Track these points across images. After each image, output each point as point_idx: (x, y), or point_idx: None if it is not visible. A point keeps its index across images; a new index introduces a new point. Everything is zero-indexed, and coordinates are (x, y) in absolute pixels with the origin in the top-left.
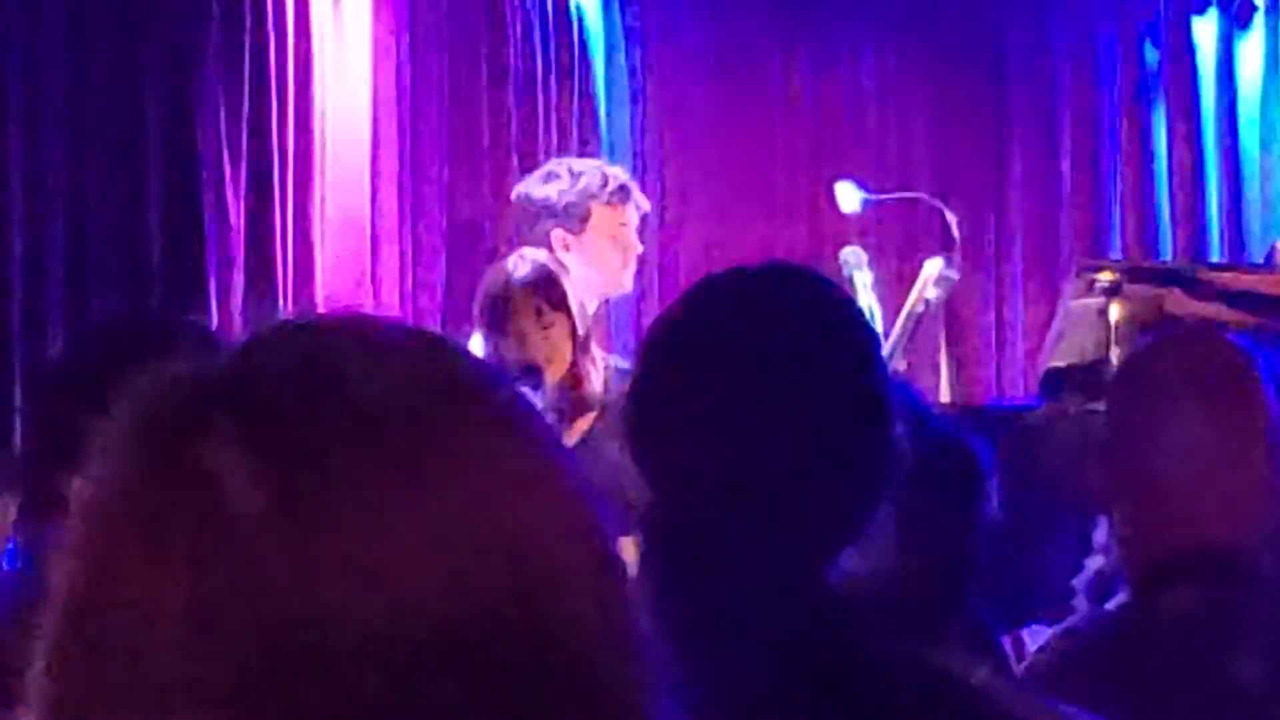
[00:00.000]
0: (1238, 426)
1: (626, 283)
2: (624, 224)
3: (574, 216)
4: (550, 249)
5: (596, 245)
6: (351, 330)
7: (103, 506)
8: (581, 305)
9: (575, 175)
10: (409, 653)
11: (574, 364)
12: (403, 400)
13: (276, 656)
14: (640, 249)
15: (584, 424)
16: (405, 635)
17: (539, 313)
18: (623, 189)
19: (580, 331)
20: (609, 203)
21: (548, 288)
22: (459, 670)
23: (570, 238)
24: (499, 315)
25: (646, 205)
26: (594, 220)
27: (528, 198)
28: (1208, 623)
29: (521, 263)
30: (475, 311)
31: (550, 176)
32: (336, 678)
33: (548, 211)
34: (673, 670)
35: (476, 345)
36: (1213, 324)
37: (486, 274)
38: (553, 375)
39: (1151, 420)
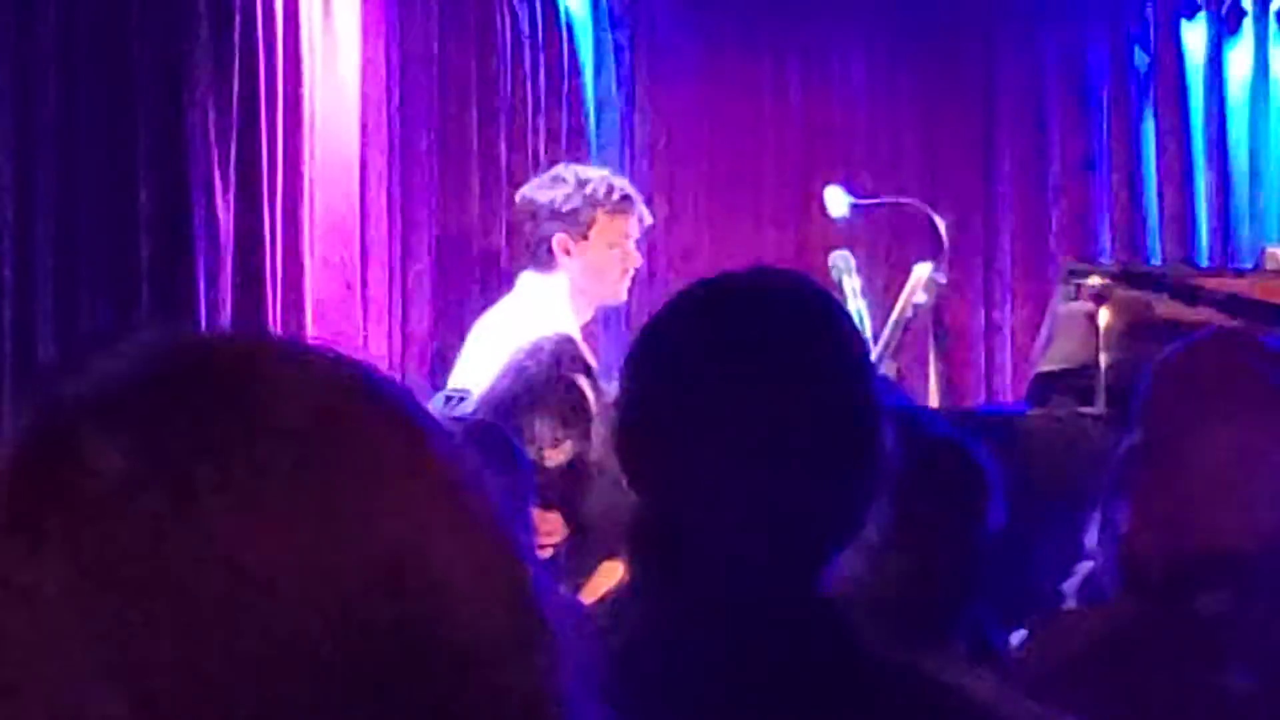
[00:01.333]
0: (1272, 431)
1: (621, 293)
2: (626, 234)
3: (578, 222)
4: (551, 252)
5: (597, 253)
6: (256, 342)
7: None
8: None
9: (582, 182)
10: (270, 655)
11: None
12: (294, 407)
13: (137, 641)
14: (640, 261)
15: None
16: (267, 638)
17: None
18: (628, 199)
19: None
20: (613, 212)
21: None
22: (316, 682)
23: (572, 243)
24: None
25: (650, 219)
26: (597, 228)
27: (532, 200)
28: (1218, 628)
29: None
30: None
31: (557, 181)
32: (197, 672)
33: (552, 215)
34: (663, 677)
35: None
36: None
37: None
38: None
39: (1191, 421)
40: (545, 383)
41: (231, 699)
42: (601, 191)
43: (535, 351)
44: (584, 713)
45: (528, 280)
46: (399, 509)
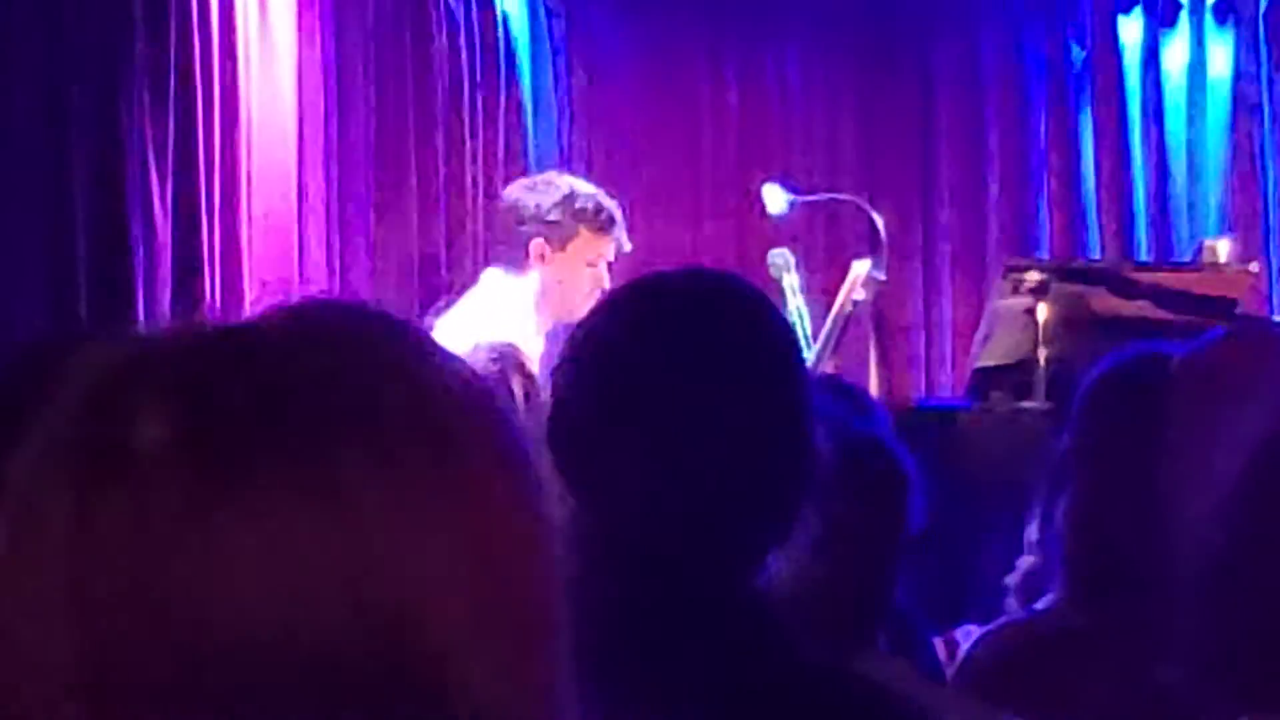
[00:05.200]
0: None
1: (581, 312)
2: (602, 255)
3: (559, 232)
4: (526, 255)
5: (571, 266)
6: (340, 327)
7: (33, 459)
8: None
9: (572, 194)
10: (261, 652)
11: None
12: (339, 411)
13: (133, 618)
14: (608, 285)
15: None
16: (262, 632)
17: None
18: (612, 222)
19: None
20: (597, 231)
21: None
22: (304, 683)
23: (549, 250)
24: None
25: (628, 246)
26: (578, 242)
27: (518, 200)
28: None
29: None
30: None
31: (548, 186)
32: (183, 656)
33: (536, 219)
34: (594, 678)
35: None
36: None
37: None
38: None
39: (1215, 419)
40: None
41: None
42: (590, 208)
43: (474, 351)
44: None
45: (494, 278)
46: (413, 532)
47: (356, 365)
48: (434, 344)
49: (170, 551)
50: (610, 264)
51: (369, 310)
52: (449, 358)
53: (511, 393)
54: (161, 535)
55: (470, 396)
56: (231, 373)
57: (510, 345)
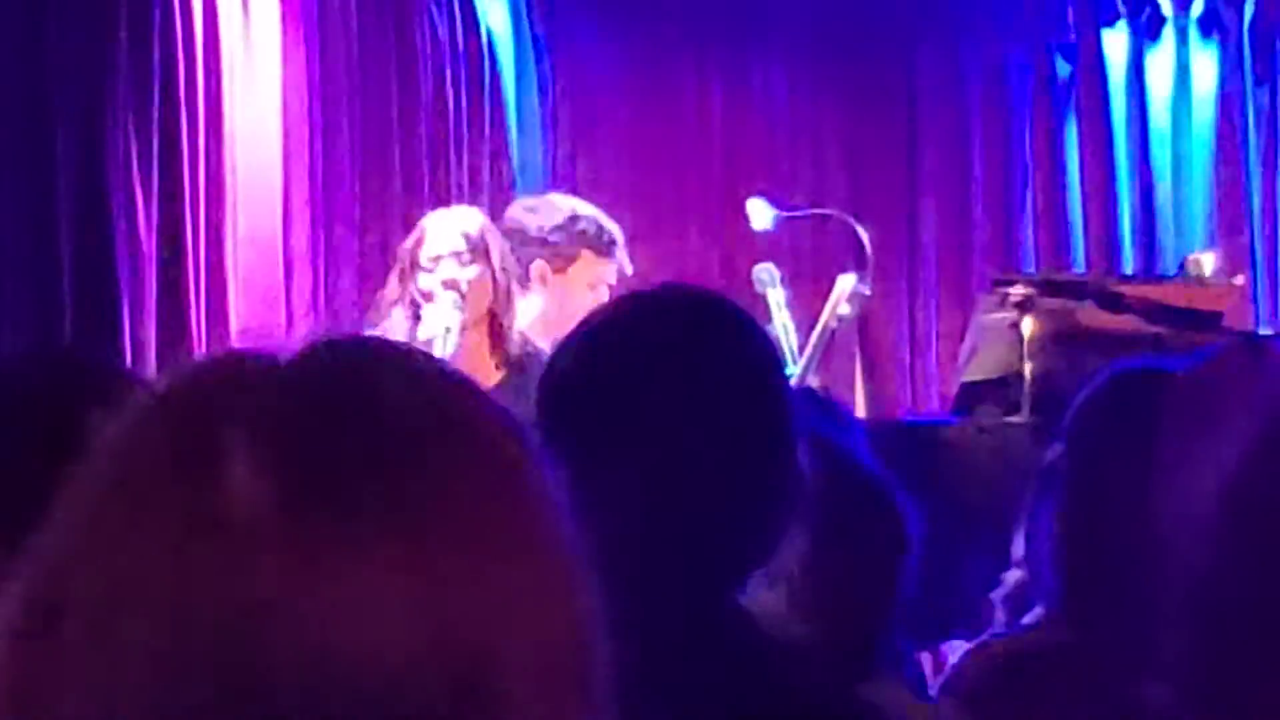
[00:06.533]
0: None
1: None
2: (603, 277)
3: (561, 254)
4: (527, 275)
5: (573, 288)
6: (397, 365)
7: (116, 469)
8: (505, 257)
9: (575, 216)
10: (340, 697)
11: (491, 316)
12: (425, 453)
13: (225, 661)
14: None
15: (488, 383)
16: (356, 680)
17: (458, 253)
18: (614, 245)
19: (502, 285)
20: (599, 253)
21: (473, 232)
22: None
23: (550, 274)
24: (415, 253)
25: (630, 269)
26: (580, 264)
27: (519, 221)
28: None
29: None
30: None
31: (550, 208)
32: (263, 699)
33: (538, 241)
34: None
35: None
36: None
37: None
38: (469, 322)
39: (1203, 437)
40: None
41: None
42: (592, 231)
43: None
44: None
45: None
46: (497, 579)
47: (423, 407)
48: (473, 382)
49: (268, 611)
50: (611, 286)
51: (412, 351)
52: (488, 397)
53: None
54: (260, 596)
55: (517, 434)
56: (319, 422)
57: None
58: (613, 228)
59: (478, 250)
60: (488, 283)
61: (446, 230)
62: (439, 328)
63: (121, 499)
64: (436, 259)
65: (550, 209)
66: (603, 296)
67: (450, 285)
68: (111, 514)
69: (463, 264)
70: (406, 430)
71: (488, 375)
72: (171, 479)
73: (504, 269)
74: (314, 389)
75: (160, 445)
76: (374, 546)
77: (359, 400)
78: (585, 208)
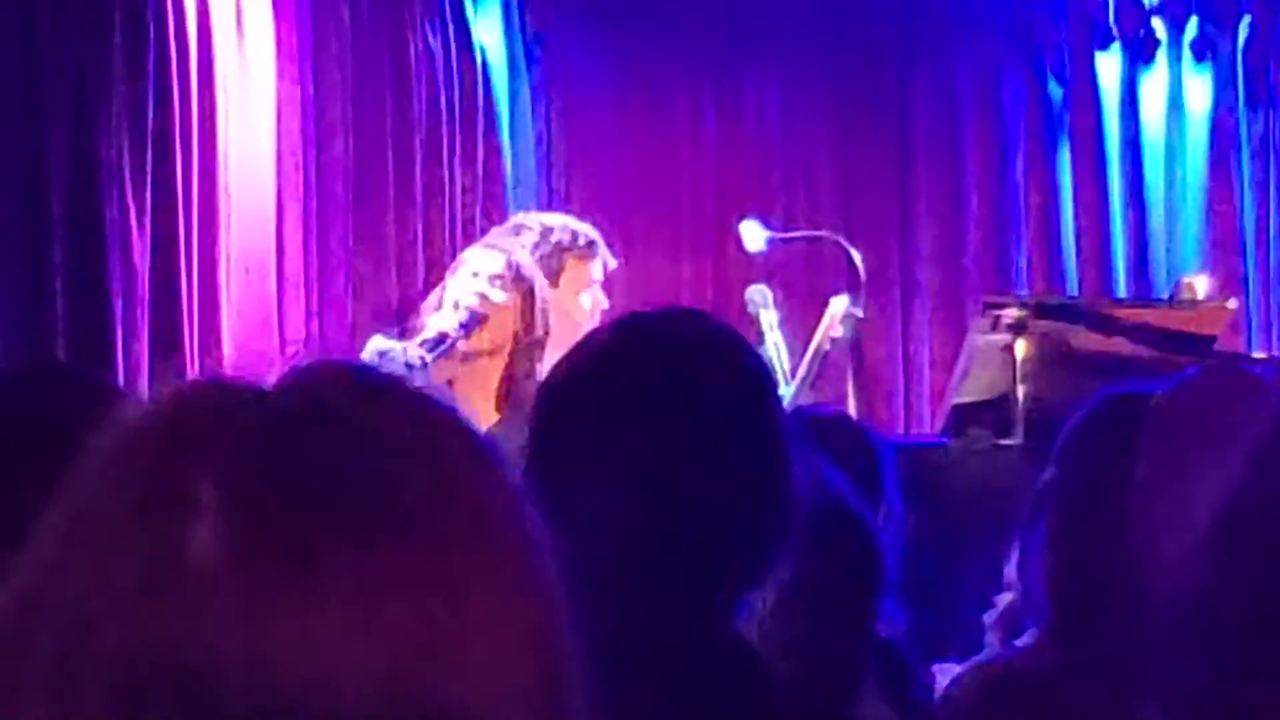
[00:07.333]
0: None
1: None
2: (592, 277)
3: (549, 269)
4: None
5: (567, 298)
6: (379, 401)
7: (82, 507)
8: (545, 307)
9: (547, 229)
10: None
11: (511, 359)
12: (396, 499)
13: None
14: (607, 304)
15: (488, 418)
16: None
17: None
18: (592, 244)
19: (536, 328)
20: (581, 257)
21: (521, 264)
22: None
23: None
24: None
25: (613, 262)
26: (566, 274)
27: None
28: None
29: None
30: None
31: (520, 229)
32: None
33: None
34: None
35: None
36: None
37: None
38: (487, 348)
39: (1190, 460)
40: None
41: None
42: (567, 238)
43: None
44: None
45: None
46: (468, 624)
47: (400, 450)
48: (459, 418)
49: (223, 656)
50: (601, 283)
51: (398, 384)
52: (474, 432)
53: None
54: (216, 642)
55: (499, 475)
56: (288, 467)
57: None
58: (585, 228)
59: (517, 281)
60: (514, 315)
61: (495, 254)
62: (435, 330)
63: (90, 535)
64: (475, 274)
65: (520, 230)
66: (598, 295)
67: (477, 296)
68: (77, 552)
69: (495, 285)
70: (379, 474)
71: (488, 414)
72: (138, 521)
73: (542, 310)
74: (288, 429)
75: (131, 483)
76: (329, 598)
77: (334, 443)
78: (552, 218)
